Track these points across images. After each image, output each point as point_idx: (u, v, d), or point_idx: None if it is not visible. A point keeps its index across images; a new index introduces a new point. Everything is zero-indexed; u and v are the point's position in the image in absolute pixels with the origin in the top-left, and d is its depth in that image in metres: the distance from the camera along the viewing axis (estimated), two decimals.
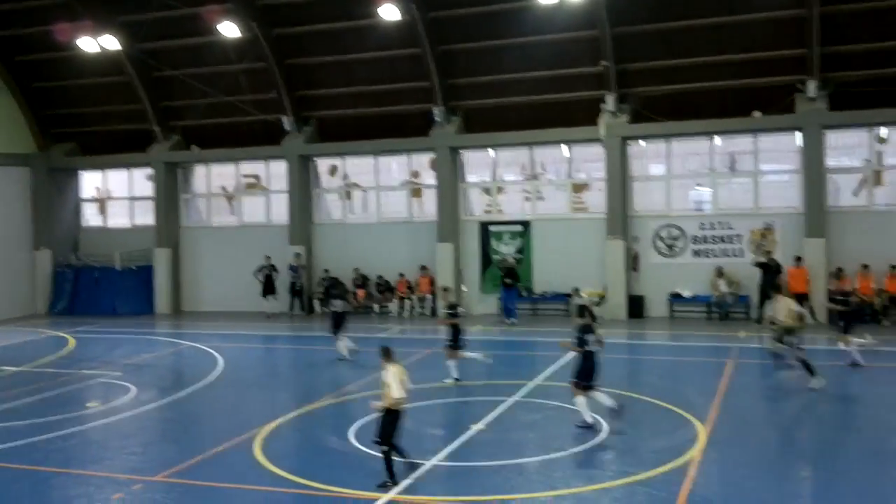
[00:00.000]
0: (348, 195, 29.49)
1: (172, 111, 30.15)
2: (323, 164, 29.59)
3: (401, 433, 10.60)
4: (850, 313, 17.58)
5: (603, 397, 13.03)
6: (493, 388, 15.94)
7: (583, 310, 13.49)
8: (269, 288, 27.62)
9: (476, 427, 13.01)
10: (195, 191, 31.20)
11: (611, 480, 10.51)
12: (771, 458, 11.53)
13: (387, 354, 10.86)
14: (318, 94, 28.40)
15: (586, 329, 13.01)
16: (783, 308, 16.48)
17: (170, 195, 30.33)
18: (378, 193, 28.83)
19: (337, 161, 29.37)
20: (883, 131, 23.50)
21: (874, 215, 23.29)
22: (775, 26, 23.22)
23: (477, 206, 27.99)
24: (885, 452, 11.62)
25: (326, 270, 28.26)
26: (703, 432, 12.48)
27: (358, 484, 10.34)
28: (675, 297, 24.81)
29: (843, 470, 11.10)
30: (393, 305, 27.32)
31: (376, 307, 27.55)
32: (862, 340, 17.68)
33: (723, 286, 24.03)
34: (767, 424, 13.45)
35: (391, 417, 10.47)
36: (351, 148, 28.44)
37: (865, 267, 22.22)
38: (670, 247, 25.08)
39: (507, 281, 25.03)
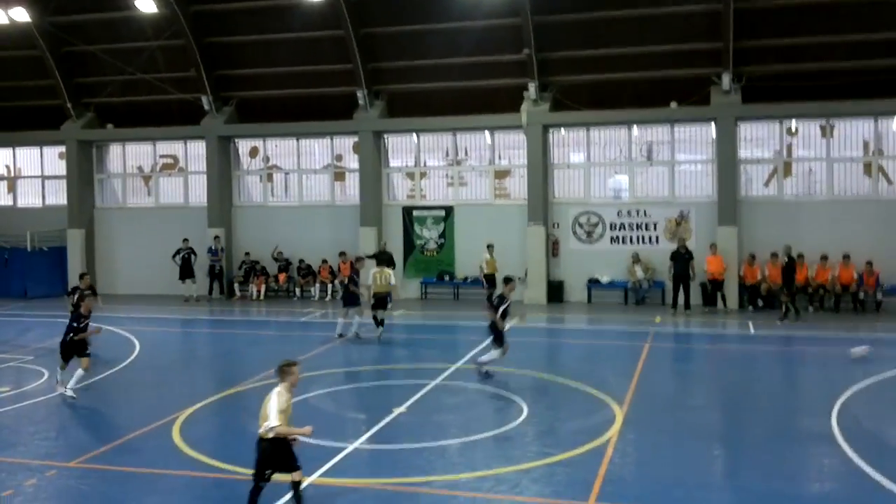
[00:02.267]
0: (270, 178, 29.09)
1: (86, 88, 29.16)
2: (244, 146, 29.11)
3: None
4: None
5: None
6: (415, 372, 16.03)
7: (508, 280, 15.49)
8: (187, 271, 27.06)
9: (398, 410, 13.08)
10: (110, 171, 30.31)
11: (530, 461, 10.71)
12: (685, 438, 11.93)
13: (282, 373, 8.84)
14: (239, 73, 27.89)
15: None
16: None
17: (83, 175, 29.39)
18: (300, 176, 28.53)
19: (258, 143, 28.94)
20: (793, 124, 24.42)
21: (784, 205, 24.23)
22: (692, 20, 23.81)
23: (400, 190, 27.99)
24: (790, 431, 12.15)
25: (247, 254, 27.88)
26: (619, 414, 12.82)
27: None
28: (593, 283, 25.35)
29: (752, 449, 11.57)
30: (314, 289, 27.13)
31: (298, 291, 27.32)
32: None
33: (639, 272, 24.67)
34: (681, 406, 13.88)
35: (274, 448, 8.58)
36: (272, 130, 28.06)
37: (774, 255, 23.11)
38: (589, 233, 25.59)
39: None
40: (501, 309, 15.24)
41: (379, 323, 19.37)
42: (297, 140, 28.30)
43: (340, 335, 19.35)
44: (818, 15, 22.87)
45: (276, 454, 8.57)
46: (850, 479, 10.15)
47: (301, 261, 27.45)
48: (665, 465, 10.82)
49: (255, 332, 22.29)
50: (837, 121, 23.94)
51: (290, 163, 28.79)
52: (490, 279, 24.36)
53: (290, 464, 8.66)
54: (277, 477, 8.74)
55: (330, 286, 26.75)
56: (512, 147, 26.97)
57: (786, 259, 21.52)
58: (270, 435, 8.48)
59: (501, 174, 27.31)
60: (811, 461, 11.05)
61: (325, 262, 26.98)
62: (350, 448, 11.20)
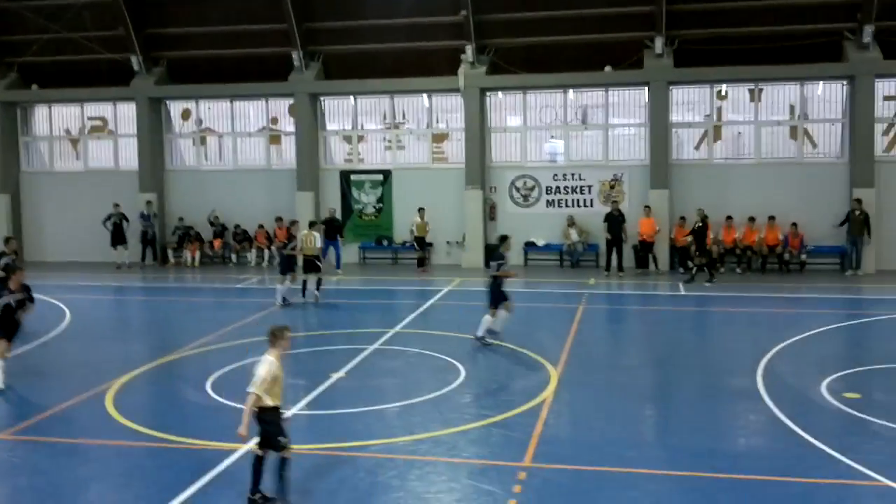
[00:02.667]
0: (203, 141, 28.50)
1: (9, 46, 28.06)
2: (175, 108, 28.42)
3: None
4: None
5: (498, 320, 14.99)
6: (353, 337, 16.06)
7: (503, 239, 15.50)
8: (118, 237, 26.46)
9: (336, 375, 13.13)
10: (36, 133, 29.32)
11: (468, 423, 10.88)
12: (617, 398, 12.25)
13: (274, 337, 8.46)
14: (170, 32, 27.14)
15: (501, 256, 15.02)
16: None
17: (8, 137, 28.42)
18: (234, 140, 28.02)
19: (190, 105, 28.27)
20: (723, 88, 24.88)
21: (714, 168, 24.76)
22: None
23: (337, 154, 27.74)
24: (717, 389, 12.58)
25: (181, 219, 27.38)
26: (555, 375, 13.09)
27: (215, 435, 10.25)
28: (530, 246, 25.63)
29: (682, 407, 11.97)
30: (251, 255, 26.82)
31: (234, 257, 26.98)
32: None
33: (574, 235, 25.02)
34: (614, 366, 14.23)
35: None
36: (205, 91, 27.46)
37: (682, 218, 23.54)
38: (525, 197, 25.80)
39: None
40: (500, 267, 15.06)
41: (314, 287, 19.36)
42: (231, 102, 27.74)
43: (284, 301, 19.20)
44: None
45: (273, 423, 8.16)
46: (774, 433, 10.59)
47: (237, 226, 27.07)
48: (598, 425, 11.12)
49: (190, 298, 22.00)
50: (765, 85, 24.49)
51: (223, 125, 28.23)
52: (420, 241, 25.04)
53: (271, 440, 8.17)
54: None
55: (266, 252, 26.48)
56: (450, 110, 26.91)
57: (699, 223, 22.01)
58: (250, 397, 8.05)
59: (439, 138, 27.26)
60: (738, 417, 11.47)
61: (261, 227, 26.65)
62: (287, 414, 11.15)
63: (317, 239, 19.83)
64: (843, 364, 13.79)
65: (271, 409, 8.19)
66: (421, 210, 24.95)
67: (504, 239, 15.63)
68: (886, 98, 23.86)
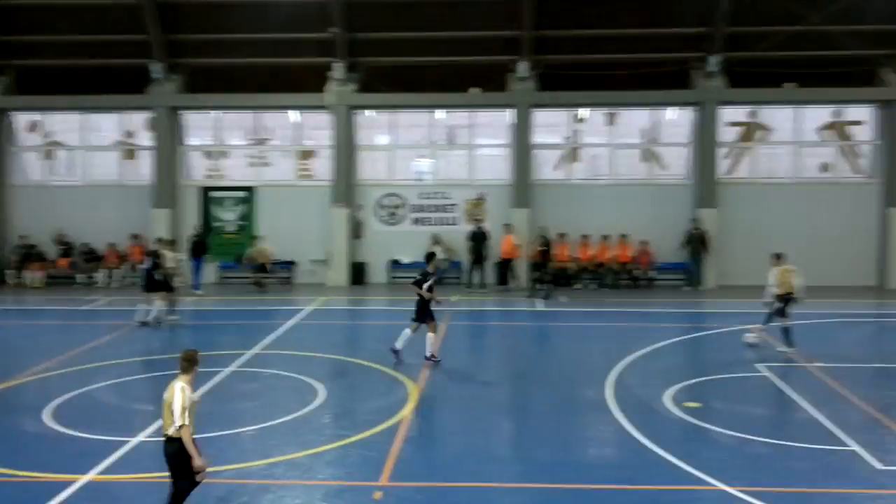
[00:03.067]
0: (50, 154, 27.08)
1: None
2: (21, 120, 26.91)
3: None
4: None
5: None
6: (209, 359, 15.50)
7: (430, 256, 15.54)
8: None
9: None
10: None
11: (325, 444, 10.77)
12: (475, 413, 12.44)
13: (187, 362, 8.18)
14: (16, 40, 25.70)
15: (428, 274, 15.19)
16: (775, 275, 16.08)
17: None
18: (85, 154, 26.77)
19: (38, 117, 26.85)
20: (582, 112, 25.86)
21: (571, 188, 25.64)
22: (494, 7, 24.46)
23: (198, 170, 26.99)
24: (571, 402, 13.00)
25: (22, 237, 25.80)
26: (415, 392, 13.16)
27: (54, 467, 9.71)
28: (395, 264, 25.71)
29: (538, 420, 12.27)
30: (100, 275, 25.54)
31: (82, 277, 25.64)
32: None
33: (439, 252, 25.21)
34: (473, 381, 14.42)
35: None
36: (54, 103, 26.14)
37: (562, 235, 24.46)
38: (392, 214, 25.90)
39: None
40: (426, 285, 15.10)
41: (168, 309, 18.69)
42: (82, 114, 26.51)
43: (144, 322, 18.41)
44: (604, 7, 24.15)
45: (182, 457, 7.84)
46: (621, 443, 11.04)
47: (85, 244, 25.75)
48: (457, 440, 11.27)
49: (32, 321, 20.74)
50: (620, 109, 25.62)
51: (74, 138, 26.94)
52: (260, 267, 24.45)
53: (188, 472, 7.91)
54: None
55: (118, 272, 25.33)
56: (317, 127, 26.70)
57: (541, 242, 22.73)
58: (180, 433, 7.79)
59: (306, 155, 27.00)
60: (589, 429, 11.88)
61: (112, 245, 25.51)
62: (135, 441, 10.77)
63: (178, 258, 19.17)
64: (684, 375, 14.54)
65: (178, 439, 7.82)
66: (262, 237, 24.82)
67: (431, 256, 15.64)
68: (729, 124, 25.42)
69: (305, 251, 25.72)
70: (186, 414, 7.78)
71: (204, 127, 26.89)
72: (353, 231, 25.65)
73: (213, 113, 26.48)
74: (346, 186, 25.35)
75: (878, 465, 9.94)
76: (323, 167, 26.35)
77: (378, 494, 9.11)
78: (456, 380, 14.39)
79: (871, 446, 10.50)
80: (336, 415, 12.28)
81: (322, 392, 13.15)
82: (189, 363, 8.11)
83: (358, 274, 25.59)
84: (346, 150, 25.30)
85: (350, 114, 25.46)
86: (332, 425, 11.80)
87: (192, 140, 26.89)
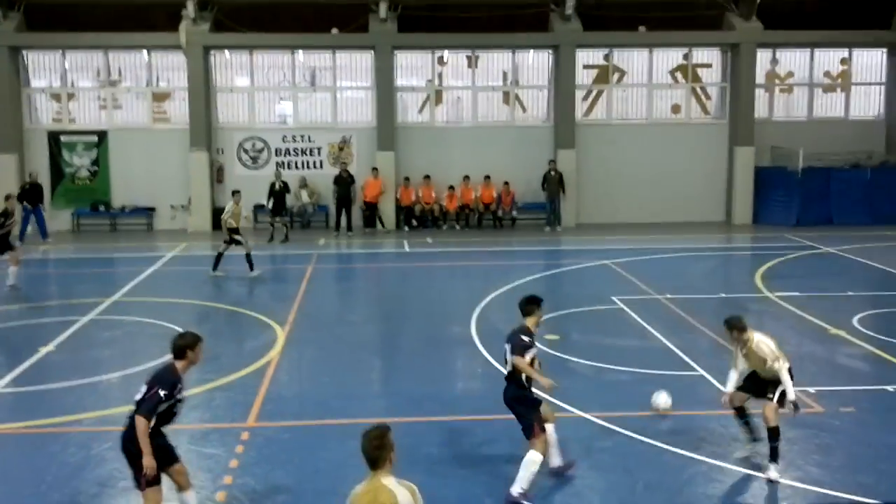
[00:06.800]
0: None
1: None
2: None
3: None
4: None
5: None
6: (65, 309, 15.05)
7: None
8: None
9: (45, 349, 12.28)
10: None
11: (189, 389, 10.66)
12: (343, 353, 12.62)
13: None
14: None
15: None
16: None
17: None
18: None
19: None
20: (444, 54, 25.96)
21: (435, 131, 25.84)
22: None
23: (44, 114, 25.48)
24: (437, 339, 13.36)
25: None
26: (282, 335, 13.19)
27: None
28: (259, 208, 25.25)
29: (405, 357, 12.61)
30: None
31: None
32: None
33: (304, 196, 25.04)
34: (341, 322, 14.58)
35: None
36: None
37: (427, 178, 24.71)
38: (254, 159, 25.39)
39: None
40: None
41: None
42: None
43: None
44: None
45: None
46: (485, 376, 11.45)
47: None
48: (325, 380, 11.44)
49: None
50: (482, 52, 25.88)
51: None
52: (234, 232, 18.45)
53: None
54: None
55: None
56: (172, 68, 25.64)
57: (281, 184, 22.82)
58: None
59: (161, 97, 25.92)
60: (455, 364, 12.31)
61: None
62: None
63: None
64: (545, 309, 15.11)
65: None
66: (235, 193, 18.86)
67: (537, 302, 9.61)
68: (586, 67, 26.18)
69: (165, 197, 24.90)
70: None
71: (50, 68, 25.32)
72: (214, 176, 25.00)
73: (58, 52, 24.94)
74: (205, 130, 24.57)
75: (723, 388, 10.77)
76: (180, 110, 25.41)
77: (245, 435, 9.18)
78: (324, 322, 14.49)
79: (716, 370, 11.32)
80: (200, 361, 12.13)
81: None
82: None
83: (219, 219, 24.95)
84: (203, 92, 24.46)
85: (206, 54, 24.59)
86: (197, 370, 11.56)
87: (37, 82, 25.28)
